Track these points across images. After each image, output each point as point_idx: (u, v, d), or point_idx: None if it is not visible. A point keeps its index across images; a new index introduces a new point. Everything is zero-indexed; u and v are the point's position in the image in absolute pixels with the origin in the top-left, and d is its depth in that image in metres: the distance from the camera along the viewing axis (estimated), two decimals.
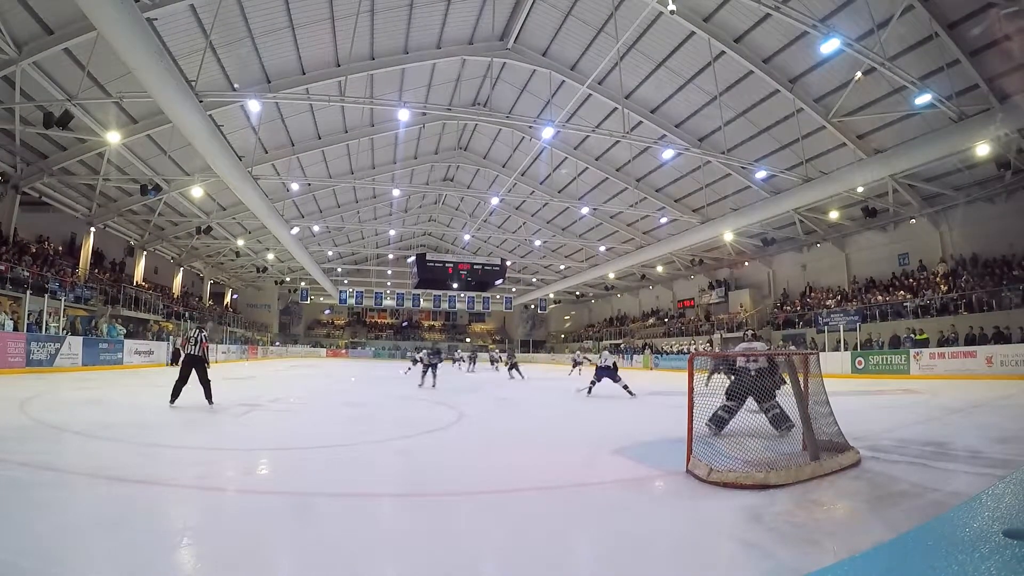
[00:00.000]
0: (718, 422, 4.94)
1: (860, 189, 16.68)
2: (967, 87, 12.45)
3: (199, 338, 7.53)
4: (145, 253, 25.42)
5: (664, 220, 23.45)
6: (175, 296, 28.16)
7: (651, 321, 35.94)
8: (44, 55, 12.01)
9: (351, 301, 40.85)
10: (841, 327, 19.09)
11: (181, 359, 7.57)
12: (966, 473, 3.99)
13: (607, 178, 23.55)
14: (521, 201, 26.93)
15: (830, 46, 12.05)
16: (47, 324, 14.83)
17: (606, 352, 12.51)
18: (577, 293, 43.16)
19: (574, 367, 20.77)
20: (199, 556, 2.51)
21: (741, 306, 27.67)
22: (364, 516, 3.20)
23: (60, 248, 19.97)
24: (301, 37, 14.79)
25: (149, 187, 17.77)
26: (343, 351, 45.18)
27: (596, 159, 22.92)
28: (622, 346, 32.53)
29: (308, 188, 23.63)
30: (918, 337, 16.69)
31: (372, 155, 23.68)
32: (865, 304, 20.28)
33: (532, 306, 46.58)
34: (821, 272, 23.84)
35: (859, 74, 12.43)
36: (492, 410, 9.33)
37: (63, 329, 15.61)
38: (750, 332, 7.39)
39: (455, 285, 25.17)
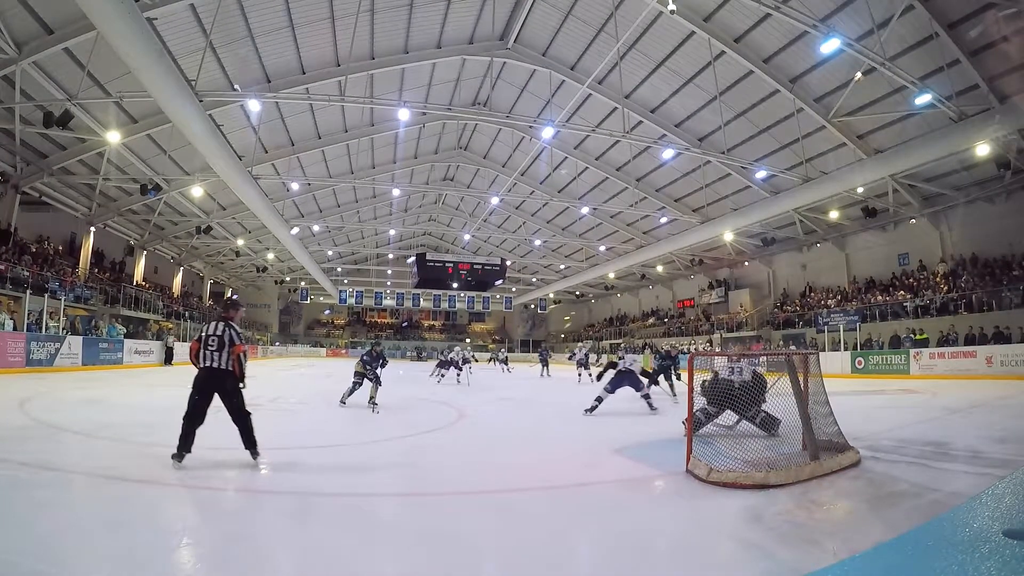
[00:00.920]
0: (695, 423, 4.97)
1: (860, 189, 16.67)
2: (967, 87, 12.44)
3: (227, 337, 4.21)
4: (145, 253, 25.41)
5: (664, 220, 23.45)
6: (175, 296, 28.16)
7: (651, 321, 35.94)
8: (44, 55, 12.00)
9: (351, 301, 40.82)
10: (841, 327, 19.08)
11: (196, 377, 4.19)
12: (966, 473, 3.99)
13: (607, 178, 23.54)
14: (521, 201, 26.92)
15: (830, 46, 12.05)
16: (47, 324, 14.82)
17: (628, 353, 8.92)
18: (577, 293, 43.14)
19: (580, 369, 16.63)
20: (199, 556, 2.51)
21: (741, 306, 27.68)
22: (364, 516, 3.20)
23: (60, 248, 19.96)
24: (301, 37, 14.78)
25: (149, 187, 17.76)
26: (343, 351, 45.14)
27: (596, 159, 22.91)
28: (622, 345, 32.51)
29: (308, 188, 23.61)
30: (918, 337, 16.70)
31: (372, 155, 23.66)
32: (865, 304, 20.28)
33: (532, 306, 46.56)
34: (821, 272, 23.84)
35: (859, 74, 12.42)
36: (492, 410, 9.33)
37: (63, 329, 15.61)
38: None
39: (455, 285, 25.18)
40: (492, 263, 24.45)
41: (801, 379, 4.44)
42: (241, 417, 4.17)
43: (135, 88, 11.84)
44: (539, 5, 15.91)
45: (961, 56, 11.91)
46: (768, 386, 5.22)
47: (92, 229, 20.67)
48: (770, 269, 26.71)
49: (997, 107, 12.00)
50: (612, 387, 7.91)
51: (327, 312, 50.55)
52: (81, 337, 15.72)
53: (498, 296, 41.55)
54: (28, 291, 14.88)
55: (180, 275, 29.59)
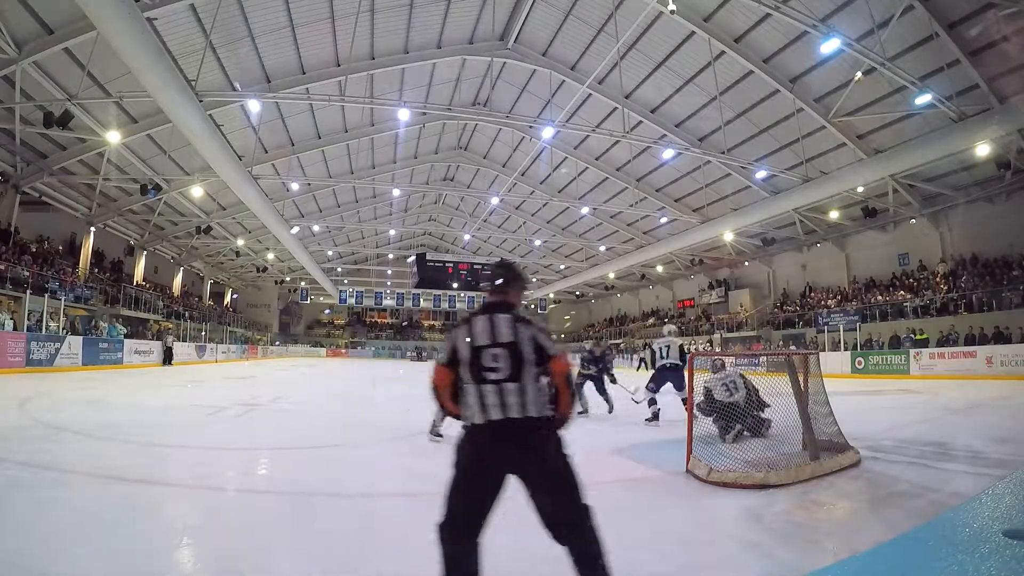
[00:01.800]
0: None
1: (860, 189, 16.69)
2: (967, 87, 12.44)
3: (529, 346, 1.91)
4: (145, 253, 25.41)
5: (664, 220, 23.46)
6: (175, 296, 28.16)
7: (651, 321, 35.92)
8: (44, 55, 12.00)
9: (351, 301, 40.83)
10: (841, 327, 19.08)
11: (467, 439, 1.95)
12: (966, 473, 3.99)
13: (607, 178, 23.55)
14: (521, 201, 26.92)
15: (830, 46, 12.05)
16: (47, 324, 14.82)
17: (669, 335, 7.11)
18: (577, 293, 43.15)
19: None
20: (199, 556, 2.51)
21: (741, 306, 27.68)
22: (364, 516, 3.20)
23: (60, 248, 19.97)
24: (301, 37, 14.78)
25: (149, 187, 17.76)
26: (343, 351, 45.18)
27: (596, 159, 22.92)
28: (622, 345, 32.52)
29: (308, 188, 23.62)
30: (918, 337, 16.70)
31: (372, 155, 23.67)
32: (865, 304, 20.28)
33: (532, 306, 46.52)
34: (821, 272, 23.84)
35: (859, 74, 12.43)
36: None
37: (63, 329, 15.61)
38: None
39: (455, 285, 25.20)
40: (492, 263, 24.44)
41: (801, 379, 4.44)
42: (580, 532, 1.85)
43: (135, 88, 11.84)
44: (539, 5, 15.91)
45: (961, 56, 11.91)
46: (759, 391, 5.27)
47: (92, 229, 20.67)
48: (770, 269, 26.70)
49: (997, 107, 12.00)
50: (655, 384, 6.95)
51: (327, 312, 50.56)
52: (81, 337, 15.72)
53: None
54: (28, 291, 14.88)
55: (180, 275, 29.58)
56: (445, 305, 42.60)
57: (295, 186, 21.95)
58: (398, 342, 48.33)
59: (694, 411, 4.51)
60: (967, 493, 3.25)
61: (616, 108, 17.42)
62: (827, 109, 14.68)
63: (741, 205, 20.08)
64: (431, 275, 23.25)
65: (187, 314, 26.83)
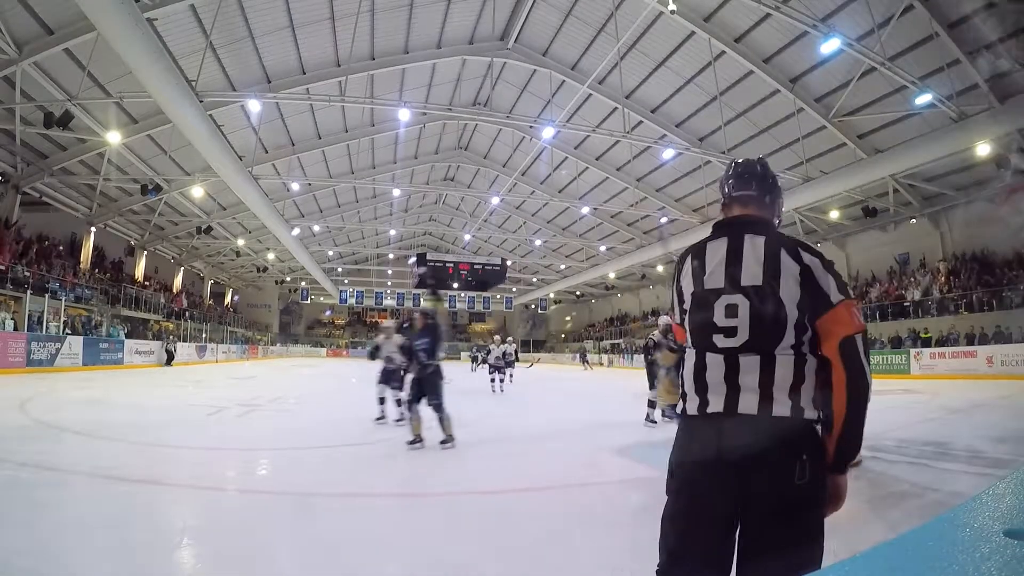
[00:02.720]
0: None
1: (860, 189, 16.67)
2: (967, 87, 12.43)
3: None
4: (145, 253, 25.41)
5: (664, 220, 23.45)
6: (175, 294, 28.17)
7: (652, 321, 35.94)
8: (44, 55, 12.00)
9: (351, 301, 40.88)
10: None
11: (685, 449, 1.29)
12: (966, 473, 3.99)
13: (607, 178, 23.53)
14: (521, 201, 26.90)
15: (830, 46, 12.04)
16: (47, 324, 14.83)
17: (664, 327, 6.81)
18: (577, 293, 43.14)
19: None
20: (199, 556, 2.51)
21: None
22: (364, 516, 3.20)
23: (61, 248, 19.98)
24: (301, 37, 14.77)
25: (149, 187, 17.77)
26: (343, 351, 45.18)
27: (596, 159, 22.90)
28: (622, 345, 32.52)
29: (308, 188, 23.61)
30: (924, 335, 16.70)
31: (372, 155, 23.67)
32: (865, 304, 20.28)
33: (532, 306, 46.60)
34: None
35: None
36: (493, 409, 9.33)
37: (63, 329, 15.62)
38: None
39: (455, 285, 25.14)
40: (493, 263, 24.44)
41: None
42: None
43: (135, 88, 11.84)
44: (539, 5, 15.91)
45: (961, 56, 11.90)
46: None
47: (92, 229, 20.68)
48: None
49: (997, 107, 11.99)
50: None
51: (327, 312, 50.59)
52: (81, 337, 15.74)
53: (498, 296, 41.57)
54: (28, 291, 14.88)
55: (180, 275, 29.59)
56: (446, 305, 42.63)
57: (295, 186, 21.95)
58: None
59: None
60: (967, 493, 3.24)
61: (616, 108, 17.41)
62: (827, 109, 14.67)
63: None
64: (432, 275, 23.18)
65: (187, 314, 26.82)
